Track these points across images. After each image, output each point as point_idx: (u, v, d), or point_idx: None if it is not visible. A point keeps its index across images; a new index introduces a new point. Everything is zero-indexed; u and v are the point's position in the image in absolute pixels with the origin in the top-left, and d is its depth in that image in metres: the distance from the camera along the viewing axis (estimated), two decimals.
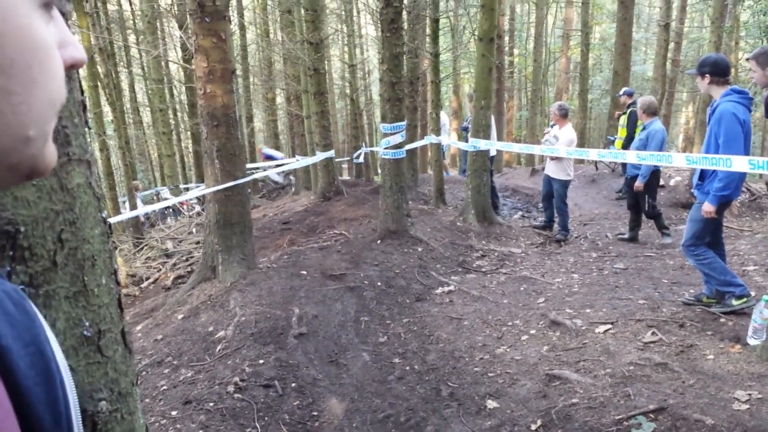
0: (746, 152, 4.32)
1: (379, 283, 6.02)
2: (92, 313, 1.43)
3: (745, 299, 4.43)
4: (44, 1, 0.47)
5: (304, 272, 6.17)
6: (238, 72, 19.69)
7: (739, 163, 4.15)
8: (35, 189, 1.29)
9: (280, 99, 20.66)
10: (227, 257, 6.09)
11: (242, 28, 19.12)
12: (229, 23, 6.03)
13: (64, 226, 1.37)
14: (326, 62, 15.89)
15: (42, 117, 0.48)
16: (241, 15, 19.22)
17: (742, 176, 4.33)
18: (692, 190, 4.80)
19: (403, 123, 7.54)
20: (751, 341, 3.86)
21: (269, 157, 15.54)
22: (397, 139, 7.40)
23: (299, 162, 11.90)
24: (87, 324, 1.41)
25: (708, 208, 4.40)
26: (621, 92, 10.82)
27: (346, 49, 20.83)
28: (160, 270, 8.52)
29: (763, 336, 3.76)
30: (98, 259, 1.47)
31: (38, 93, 0.47)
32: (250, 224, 6.35)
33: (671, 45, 20.63)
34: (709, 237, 4.61)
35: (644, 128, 7.13)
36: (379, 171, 10.52)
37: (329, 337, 4.92)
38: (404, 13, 8.58)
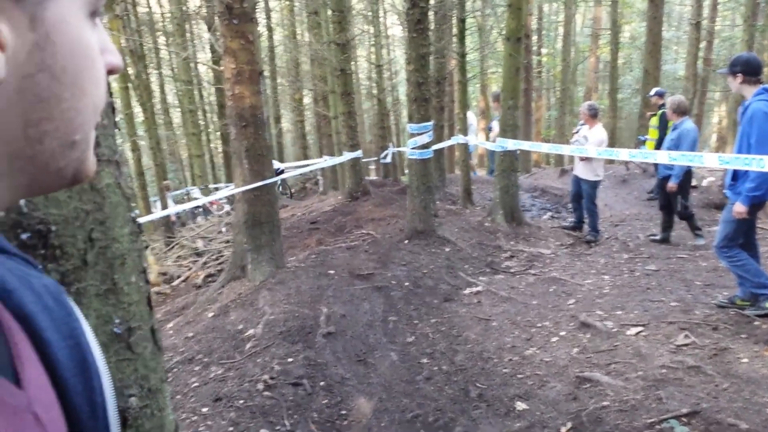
0: None
1: (406, 283, 6.01)
2: (122, 310, 1.45)
3: None
4: (91, 10, 0.49)
5: (332, 272, 6.19)
6: (266, 73, 19.86)
7: (762, 164, 4.05)
8: (65, 189, 1.30)
9: (307, 100, 20.79)
10: (256, 256, 6.14)
11: (270, 29, 19.28)
12: (256, 25, 6.08)
13: (94, 225, 1.39)
14: (353, 63, 15.93)
15: (87, 122, 0.50)
16: (268, 17, 19.38)
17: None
18: (724, 191, 4.68)
19: (430, 123, 7.51)
20: None
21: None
22: (424, 139, 7.38)
23: (327, 162, 11.94)
24: (117, 321, 1.42)
25: (739, 208, 4.30)
26: (652, 92, 10.54)
27: (372, 49, 20.87)
28: (191, 268, 8.62)
29: None
30: (128, 257, 1.49)
31: (85, 99, 0.48)
32: (278, 224, 6.40)
33: (703, 44, 20.24)
34: (742, 238, 4.50)
35: (675, 128, 6.99)
36: (406, 171, 10.50)
37: (357, 337, 4.92)
38: (431, 13, 8.55)
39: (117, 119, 1.71)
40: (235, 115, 5.98)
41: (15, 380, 0.48)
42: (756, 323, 4.31)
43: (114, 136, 1.53)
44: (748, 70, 4.41)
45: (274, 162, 15.96)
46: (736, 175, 4.42)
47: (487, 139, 12.88)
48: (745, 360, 3.81)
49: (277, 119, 20.87)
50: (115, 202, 1.47)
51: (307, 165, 14.02)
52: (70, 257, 1.35)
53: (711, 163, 5.01)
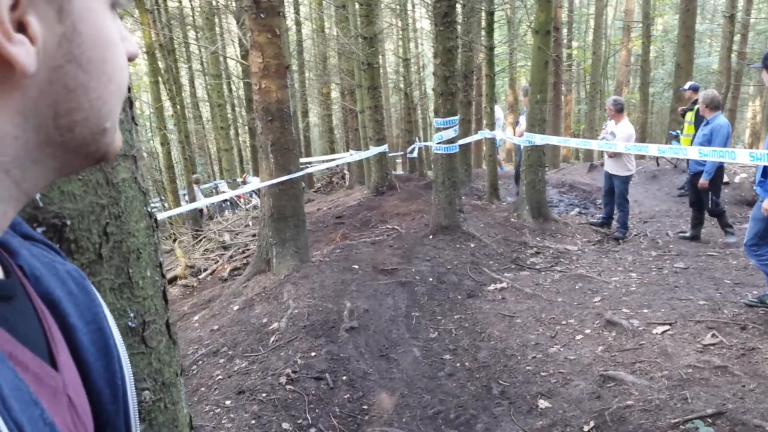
0: None
1: (430, 279, 5.98)
2: (137, 304, 1.46)
3: None
4: (112, 1, 0.50)
5: (356, 266, 6.19)
6: (294, 67, 19.94)
7: None
8: (81, 183, 1.31)
9: (335, 94, 20.81)
10: (281, 250, 6.17)
11: (298, 23, 19.34)
12: (284, 19, 6.09)
13: (109, 219, 1.40)
14: (380, 57, 15.89)
15: (114, 108, 0.52)
16: (297, 11, 19.45)
17: None
18: (755, 188, 4.56)
19: (456, 118, 7.46)
20: None
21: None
22: (450, 133, 7.33)
23: (353, 156, 11.95)
24: (132, 315, 1.43)
25: (764, 206, 4.19)
26: (686, 86, 10.24)
27: (400, 43, 20.80)
28: (218, 262, 8.71)
29: None
30: (143, 252, 1.50)
31: (111, 87, 0.50)
32: (303, 218, 6.42)
33: (737, 37, 19.71)
34: None
35: (707, 123, 6.83)
36: (432, 166, 10.47)
37: (380, 332, 4.92)
38: (458, 6, 8.47)
39: (135, 113, 1.72)
40: (262, 109, 6.01)
41: (52, 363, 0.51)
42: None
43: (131, 130, 1.54)
44: None
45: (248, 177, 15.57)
46: (766, 172, 4.30)
47: (515, 133, 12.78)
48: None
49: (305, 113, 20.94)
50: (131, 196, 1.48)
51: (333, 159, 14.01)
52: (85, 251, 1.36)
53: (743, 159, 4.87)
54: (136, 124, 1.65)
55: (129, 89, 1.54)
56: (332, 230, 8.61)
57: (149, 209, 1.57)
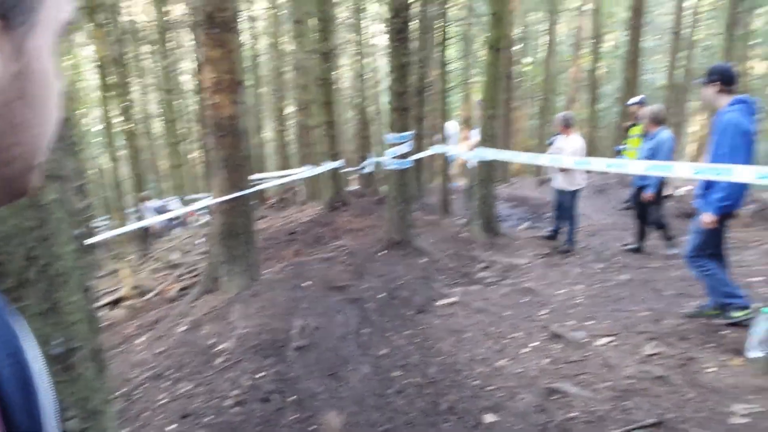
0: (749, 162, 4.26)
1: (381, 295, 5.99)
2: (63, 330, 1.43)
3: (747, 311, 4.36)
4: (58, 37, 0.51)
5: (308, 283, 6.16)
6: (250, 82, 19.84)
7: (741, 174, 4.10)
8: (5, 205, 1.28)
9: (290, 109, 20.75)
10: (231, 268, 6.10)
11: (254, 37, 19.27)
12: (237, 34, 6.05)
13: (35, 242, 1.37)
14: (336, 72, 15.95)
15: (46, 145, 0.51)
16: (252, 25, 19.38)
17: (744, 187, 4.27)
18: (694, 201, 4.74)
19: (410, 133, 7.53)
20: (752, 354, 3.79)
21: (159, 211, 13.81)
22: (404, 149, 7.39)
23: (307, 172, 11.92)
24: (56, 341, 1.40)
25: (708, 218, 4.36)
26: (633, 101, 10.38)
27: (357, 58, 20.93)
28: (165, 281, 8.54)
29: (764, 349, 3.69)
30: (71, 275, 1.47)
31: (48, 124, 0.50)
32: (254, 235, 6.37)
33: (684, 53, 20.46)
34: (712, 248, 4.55)
35: (652, 137, 7.06)
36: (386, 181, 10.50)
37: (330, 350, 4.89)
38: (415, 21, 8.56)
39: (71, 132, 1.69)
40: (214, 124, 5.95)
41: None
42: (723, 333, 4.35)
43: (63, 150, 1.52)
44: (722, 79, 4.47)
45: (163, 204, 15.18)
46: (707, 185, 4.47)
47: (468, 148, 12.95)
48: (712, 370, 3.84)
49: (259, 129, 20.81)
50: (59, 218, 1.45)
51: (287, 175, 13.94)
52: (9, 275, 1.33)
53: (684, 173, 5.04)
54: (71, 144, 1.62)
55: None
56: (284, 247, 8.55)
57: (78, 231, 1.54)
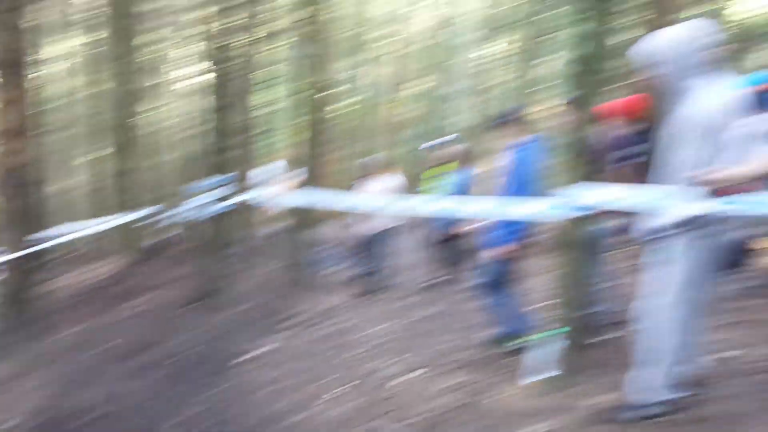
0: (540, 195, 4.57)
1: (186, 352, 5.63)
2: None
3: (531, 337, 4.68)
4: None
5: (102, 348, 5.63)
6: (47, 127, 18.20)
7: (522, 208, 4.42)
8: None
9: (101, 153, 19.31)
10: (15, 337, 5.42)
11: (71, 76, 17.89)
12: (27, 77, 5.54)
13: None
14: (147, 114, 15.16)
15: None
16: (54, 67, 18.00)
17: (534, 219, 4.61)
18: (488, 234, 5.06)
19: (224, 177, 7.30)
20: (529, 378, 4.11)
21: None
22: (222, 192, 7.15)
23: (114, 221, 11.02)
24: None
25: (501, 250, 4.69)
26: (433, 142, 10.68)
27: (169, 101, 20.13)
28: None
29: (541, 372, 4.01)
30: None
31: None
32: (47, 296, 5.75)
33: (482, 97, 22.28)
34: (500, 278, 4.85)
35: (451, 177, 7.53)
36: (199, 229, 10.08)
37: (126, 419, 4.46)
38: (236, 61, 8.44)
39: None
40: (5, 172, 5.37)
41: None
42: (514, 358, 4.61)
43: None
44: (510, 120, 4.90)
45: None
46: (501, 219, 4.79)
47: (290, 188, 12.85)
48: (505, 395, 4.07)
49: (55, 178, 19.09)
50: None
51: (93, 226, 12.76)
52: None
53: (478, 210, 5.38)
54: None
55: None
56: (84, 306, 7.81)
57: None
